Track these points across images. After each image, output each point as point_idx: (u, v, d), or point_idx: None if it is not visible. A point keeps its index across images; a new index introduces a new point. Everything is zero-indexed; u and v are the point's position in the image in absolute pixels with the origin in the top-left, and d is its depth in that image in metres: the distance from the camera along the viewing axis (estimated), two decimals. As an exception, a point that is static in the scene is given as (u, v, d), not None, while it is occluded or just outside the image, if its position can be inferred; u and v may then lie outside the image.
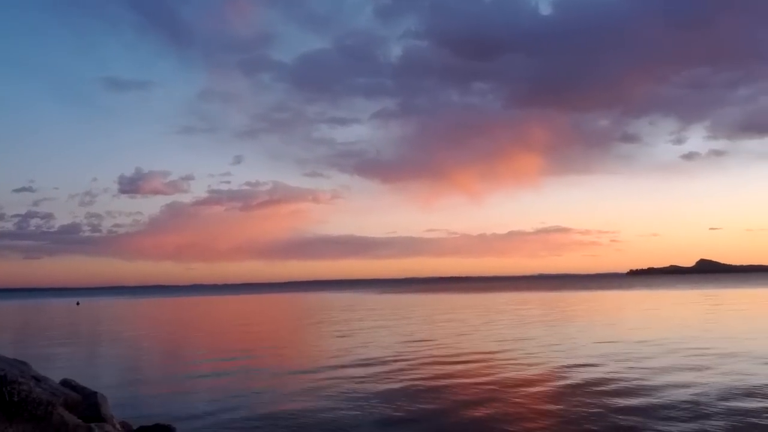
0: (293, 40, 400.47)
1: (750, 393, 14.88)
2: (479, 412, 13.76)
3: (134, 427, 11.90)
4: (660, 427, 12.03)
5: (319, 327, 40.70)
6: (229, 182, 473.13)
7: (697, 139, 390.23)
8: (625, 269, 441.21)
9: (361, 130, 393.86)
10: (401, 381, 18.10)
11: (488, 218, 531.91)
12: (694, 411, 13.21)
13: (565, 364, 20.38)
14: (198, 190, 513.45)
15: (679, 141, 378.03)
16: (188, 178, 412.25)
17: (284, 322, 49.34)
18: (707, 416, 12.73)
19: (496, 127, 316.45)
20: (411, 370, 20.18)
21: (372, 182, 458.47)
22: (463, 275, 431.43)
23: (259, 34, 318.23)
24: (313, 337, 34.06)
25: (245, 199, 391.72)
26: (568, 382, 17.14)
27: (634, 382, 16.66)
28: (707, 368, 18.68)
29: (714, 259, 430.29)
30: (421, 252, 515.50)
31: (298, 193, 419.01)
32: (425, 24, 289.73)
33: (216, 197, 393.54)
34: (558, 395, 15.37)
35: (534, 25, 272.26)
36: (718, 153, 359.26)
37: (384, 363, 21.80)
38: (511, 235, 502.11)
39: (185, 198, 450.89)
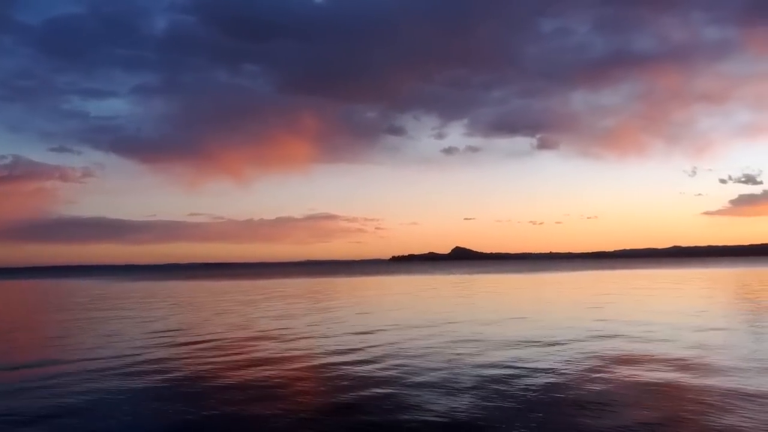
0: (41, 1, 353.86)
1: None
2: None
3: None
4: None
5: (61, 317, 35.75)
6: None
7: (456, 135, 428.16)
8: (388, 256, 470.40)
9: (119, 105, 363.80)
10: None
11: (256, 203, 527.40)
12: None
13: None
14: None
15: (441, 136, 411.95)
16: None
17: (20, 312, 42.72)
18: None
19: (267, 112, 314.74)
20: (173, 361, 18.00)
21: (130, 161, 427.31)
22: (229, 261, 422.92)
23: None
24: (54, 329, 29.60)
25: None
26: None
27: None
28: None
29: (468, 247, 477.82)
30: (184, 237, 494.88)
31: (43, 169, 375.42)
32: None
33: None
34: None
35: (306, 12, 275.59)
36: (473, 149, 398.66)
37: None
38: (280, 221, 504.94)
39: None
